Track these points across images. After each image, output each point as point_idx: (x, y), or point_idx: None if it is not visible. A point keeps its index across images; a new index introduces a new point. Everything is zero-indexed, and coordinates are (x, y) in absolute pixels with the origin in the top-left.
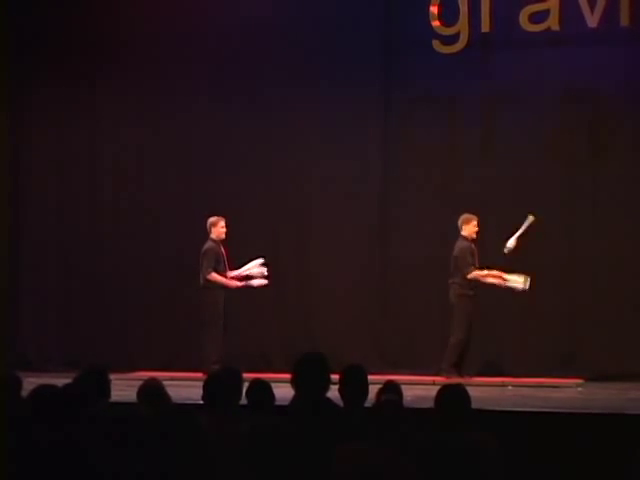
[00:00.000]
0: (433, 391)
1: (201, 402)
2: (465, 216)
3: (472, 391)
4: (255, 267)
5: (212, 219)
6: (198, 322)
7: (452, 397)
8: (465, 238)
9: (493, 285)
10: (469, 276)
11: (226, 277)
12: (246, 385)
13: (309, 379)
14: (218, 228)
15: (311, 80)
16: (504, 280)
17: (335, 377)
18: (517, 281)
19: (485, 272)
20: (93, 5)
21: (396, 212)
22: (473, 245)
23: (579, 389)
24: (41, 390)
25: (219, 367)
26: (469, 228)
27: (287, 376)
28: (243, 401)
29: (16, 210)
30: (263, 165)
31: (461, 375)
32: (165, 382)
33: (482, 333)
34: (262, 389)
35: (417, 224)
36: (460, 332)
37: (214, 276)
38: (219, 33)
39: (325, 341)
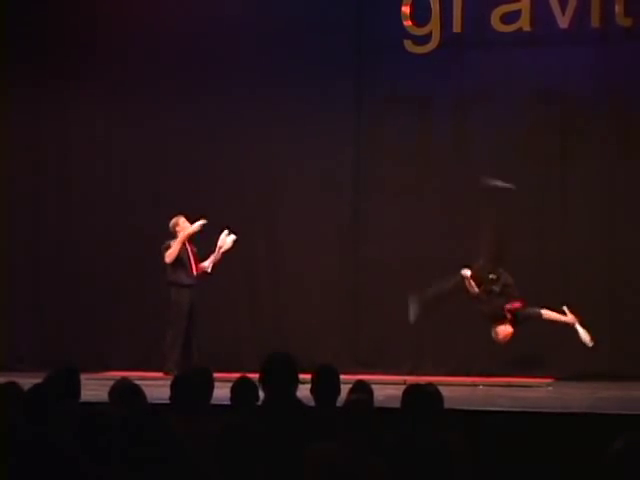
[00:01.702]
0: None
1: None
2: None
3: (443, 390)
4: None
5: (172, 221)
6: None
7: (417, 396)
8: None
9: None
10: None
11: (194, 274)
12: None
13: (277, 379)
14: (182, 226)
15: (283, 80)
16: None
17: (307, 377)
18: None
19: None
20: (66, 6)
21: (368, 212)
22: None
23: (549, 388)
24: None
25: (175, 368)
26: None
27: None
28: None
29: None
30: (236, 165)
31: None
32: (137, 382)
33: (456, 333)
34: (248, 388)
35: (389, 224)
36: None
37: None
38: (191, 35)
39: (297, 341)
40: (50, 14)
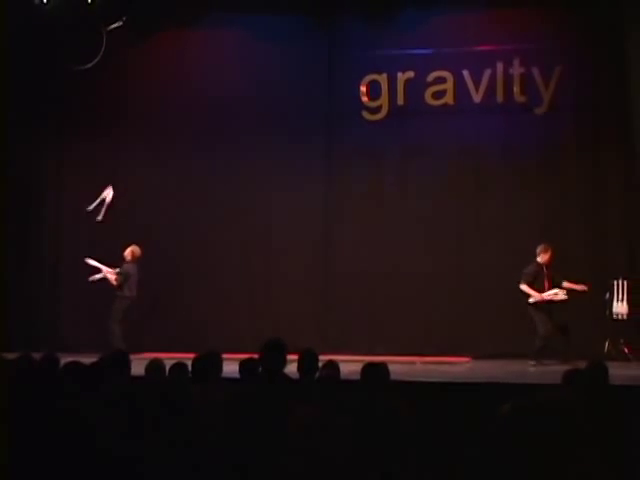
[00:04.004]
0: None
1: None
2: None
3: (390, 367)
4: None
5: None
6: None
7: (371, 371)
8: None
9: None
10: None
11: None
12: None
13: (271, 358)
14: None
15: (276, 139)
16: None
17: (293, 357)
18: None
19: None
20: (113, 86)
21: (335, 234)
22: None
23: (467, 365)
24: (69, 365)
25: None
26: None
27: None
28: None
29: (60, 232)
30: (239, 196)
31: None
32: (166, 362)
33: (399, 325)
34: (252, 365)
35: (351, 244)
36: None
37: None
38: (202, 104)
39: (284, 331)
40: (99, 94)
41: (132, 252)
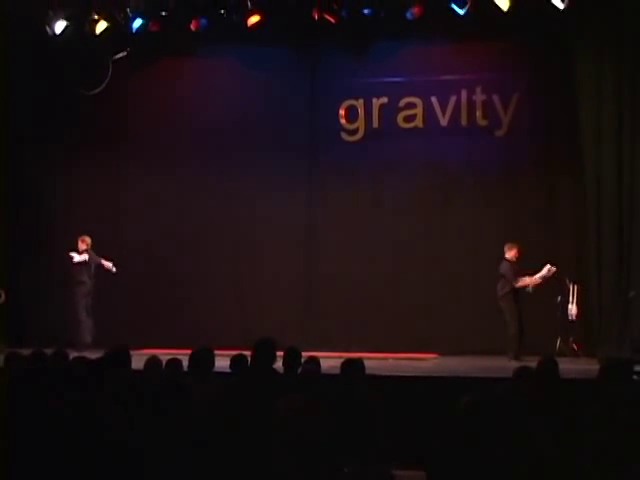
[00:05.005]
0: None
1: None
2: None
3: (366, 363)
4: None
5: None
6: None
7: (349, 366)
8: None
9: None
10: None
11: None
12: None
13: (263, 355)
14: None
15: (263, 157)
16: None
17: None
18: None
19: None
20: (116, 109)
21: (316, 243)
22: None
23: (436, 360)
24: (77, 360)
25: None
26: None
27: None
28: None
29: (69, 239)
30: (231, 205)
31: None
32: (162, 357)
33: (373, 325)
34: (242, 360)
35: (332, 249)
36: None
37: None
38: (195, 126)
39: (271, 330)
40: (106, 113)
41: (85, 241)
